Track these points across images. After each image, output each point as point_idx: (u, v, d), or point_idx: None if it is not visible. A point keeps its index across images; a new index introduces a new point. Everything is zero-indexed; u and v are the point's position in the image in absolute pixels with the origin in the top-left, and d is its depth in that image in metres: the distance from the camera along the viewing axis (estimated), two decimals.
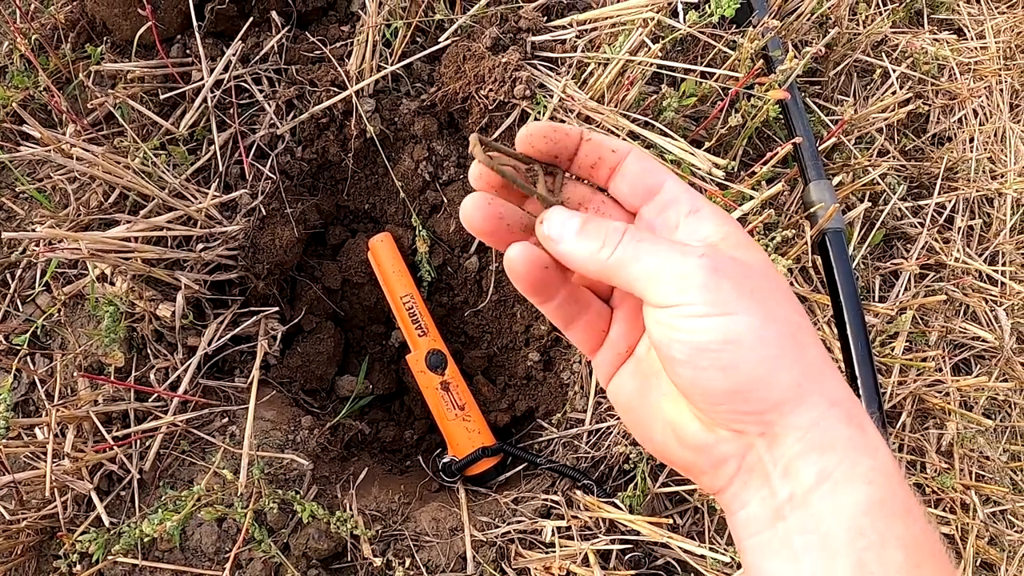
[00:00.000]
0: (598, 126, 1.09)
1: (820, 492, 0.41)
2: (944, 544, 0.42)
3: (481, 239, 0.50)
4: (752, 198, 1.09)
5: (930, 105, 1.54)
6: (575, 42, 1.13)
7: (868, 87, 1.47)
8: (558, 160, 0.50)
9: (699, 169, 1.07)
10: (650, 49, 1.07)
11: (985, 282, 1.44)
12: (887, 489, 0.41)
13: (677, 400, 0.47)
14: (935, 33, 1.62)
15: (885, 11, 1.57)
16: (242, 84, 1.21)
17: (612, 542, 1.03)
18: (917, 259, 1.36)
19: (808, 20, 1.35)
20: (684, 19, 1.11)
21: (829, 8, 1.40)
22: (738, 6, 1.13)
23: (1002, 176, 1.55)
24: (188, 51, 1.25)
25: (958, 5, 1.68)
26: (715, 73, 1.15)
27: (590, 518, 1.05)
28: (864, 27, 1.49)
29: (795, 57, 1.14)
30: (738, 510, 0.45)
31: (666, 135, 1.08)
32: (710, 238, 0.46)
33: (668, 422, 0.48)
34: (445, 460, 1.16)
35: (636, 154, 0.50)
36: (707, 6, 1.12)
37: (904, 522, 0.41)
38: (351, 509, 1.05)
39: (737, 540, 0.46)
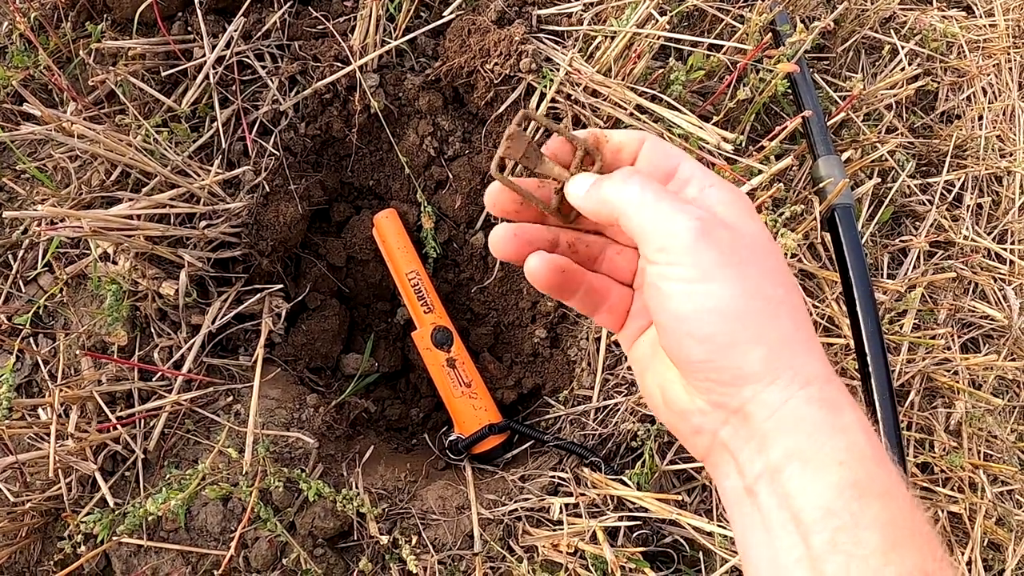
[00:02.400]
0: (605, 99, 1.07)
1: (790, 471, 0.41)
2: (930, 525, 0.41)
3: (511, 262, 0.54)
4: (761, 172, 1.07)
5: (939, 82, 1.52)
6: (581, 15, 1.11)
7: (876, 64, 1.45)
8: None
9: (707, 143, 1.05)
10: (657, 22, 1.04)
11: (994, 260, 1.42)
12: (861, 470, 0.41)
13: (668, 362, 0.48)
14: (944, 10, 1.59)
15: None
16: (244, 60, 1.19)
17: (620, 519, 1.01)
18: (926, 236, 1.34)
19: None
20: None
21: None
22: None
23: (1011, 155, 1.53)
24: (190, 28, 1.22)
25: None
26: (723, 46, 1.12)
27: (598, 495, 1.04)
28: (872, 3, 1.46)
29: (804, 31, 1.12)
30: (722, 479, 0.46)
31: (674, 108, 1.06)
32: (714, 207, 0.46)
33: (659, 382, 0.50)
34: (451, 438, 1.15)
35: (652, 140, 0.51)
36: None
37: (882, 502, 0.40)
38: (357, 487, 1.04)
39: (726, 511, 0.46)
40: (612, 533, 1.02)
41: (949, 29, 1.50)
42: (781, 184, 1.11)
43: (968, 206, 1.43)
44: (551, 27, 1.12)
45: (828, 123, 1.22)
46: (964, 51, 1.56)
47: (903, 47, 1.47)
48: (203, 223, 1.15)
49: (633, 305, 0.54)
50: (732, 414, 0.44)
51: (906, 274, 1.30)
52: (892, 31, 1.49)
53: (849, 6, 1.39)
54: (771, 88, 1.14)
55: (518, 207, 0.53)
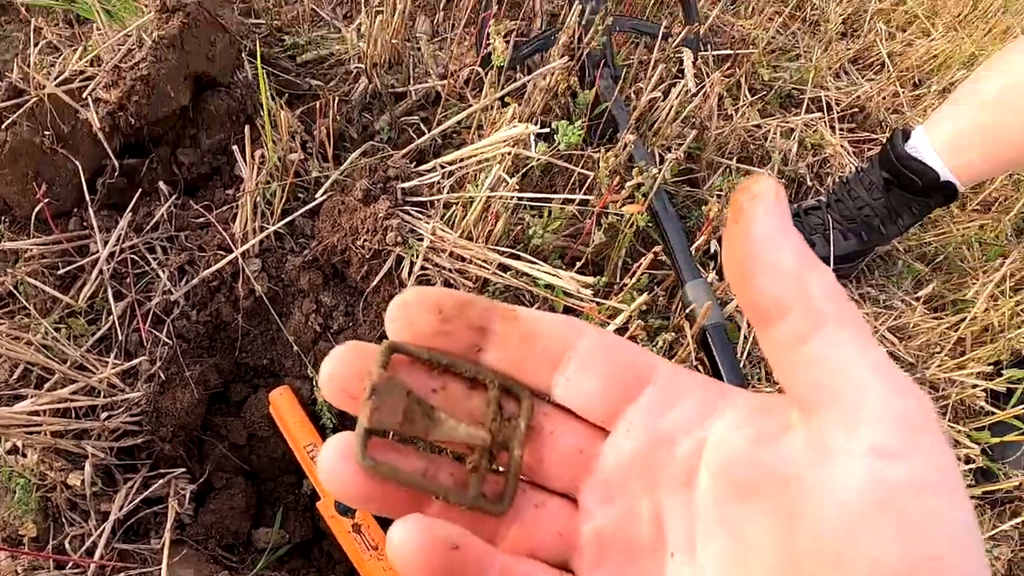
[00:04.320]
0: (469, 262, 1.24)
1: None
2: None
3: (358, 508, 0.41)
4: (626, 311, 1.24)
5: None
6: (441, 184, 1.30)
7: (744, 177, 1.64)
8: (460, 348, 0.39)
9: (569, 291, 1.23)
10: (508, 184, 1.23)
11: None
12: None
13: None
14: (799, 113, 1.82)
15: (757, 97, 1.77)
16: (137, 253, 1.36)
17: None
18: None
19: (673, 124, 1.53)
20: (535, 149, 1.28)
21: (695, 108, 1.58)
22: (581, 135, 1.31)
23: None
24: (85, 224, 1.39)
25: (826, 81, 1.89)
26: (575, 199, 1.31)
27: None
28: (733, 119, 1.67)
29: (645, 171, 1.31)
30: None
31: (534, 262, 1.24)
32: (741, 457, 0.35)
33: None
34: None
35: (594, 331, 0.40)
36: (555, 136, 1.30)
37: None
38: None
39: None
40: None
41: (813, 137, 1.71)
42: (641, 322, 1.28)
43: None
44: (415, 198, 1.31)
45: (693, 247, 1.40)
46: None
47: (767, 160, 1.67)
48: (104, 415, 1.30)
49: None
50: None
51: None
52: (755, 142, 1.70)
53: (709, 130, 1.60)
54: (630, 226, 1.32)
55: (385, 491, 0.38)
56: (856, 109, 1.91)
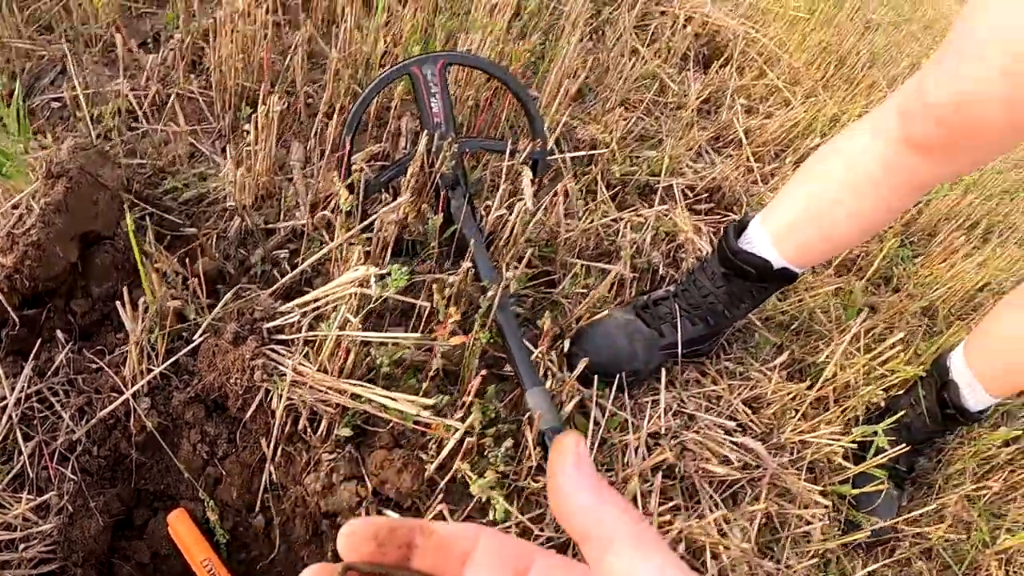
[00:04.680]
0: (327, 393, 1.45)
1: None
2: None
3: None
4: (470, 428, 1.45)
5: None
6: (300, 322, 1.51)
7: (598, 278, 1.85)
8: (394, 559, 0.52)
9: (412, 412, 1.43)
10: (352, 323, 1.43)
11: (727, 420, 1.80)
12: None
13: None
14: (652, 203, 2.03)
15: (614, 190, 1.97)
16: (41, 397, 1.57)
17: None
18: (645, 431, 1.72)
19: (521, 237, 1.74)
20: (375, 289, 1.48)
21: (542, 218, 1.78)
22: (410, 279, 1.51)
23: None
24: None
25: (683, 166, 2.09)
26: (413, 336, 1.52)
27: None
28: (586, 218, 1.88)
29: (489, 288, 1.52)
30: None
31: (374, 389, 1.44)
32: None
33: None
34: None
35: (489, 534, 0.52)
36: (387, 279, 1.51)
37: None
38: None
39: None
40: None
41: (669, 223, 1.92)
42: (492, 427, 1.48)
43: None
44: (280, 336, 1.52)
45: (532, 358, 1.61)
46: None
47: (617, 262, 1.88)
48: (22, 546, 1.51)
49: None
50: None
51: (627, 464, 1.67)
52: (611, 236, 1.90)
53: (559, 235, 1.80)
54: (477, 345, 1.52)
55: None
56: (712, 190, 2.11)
